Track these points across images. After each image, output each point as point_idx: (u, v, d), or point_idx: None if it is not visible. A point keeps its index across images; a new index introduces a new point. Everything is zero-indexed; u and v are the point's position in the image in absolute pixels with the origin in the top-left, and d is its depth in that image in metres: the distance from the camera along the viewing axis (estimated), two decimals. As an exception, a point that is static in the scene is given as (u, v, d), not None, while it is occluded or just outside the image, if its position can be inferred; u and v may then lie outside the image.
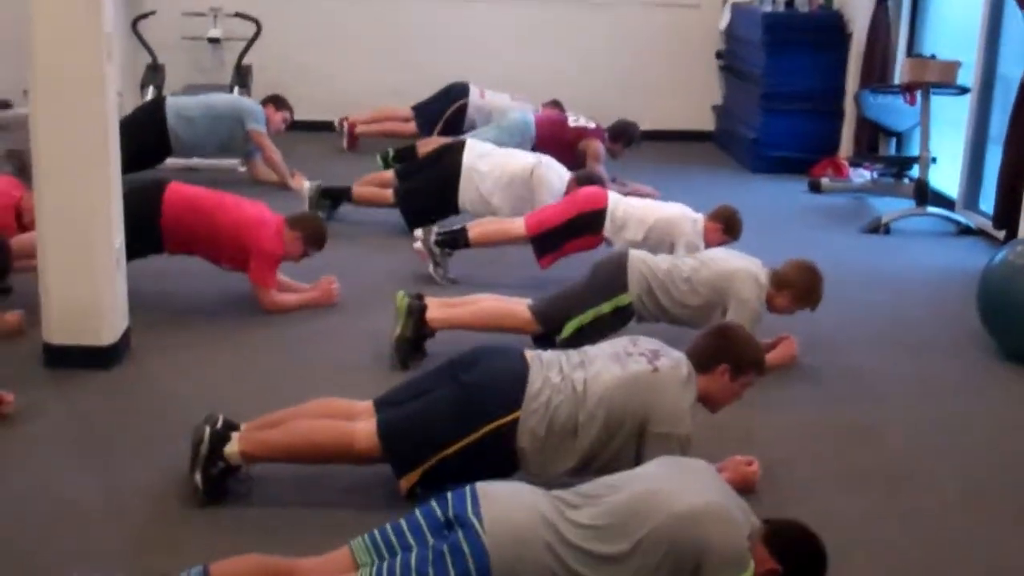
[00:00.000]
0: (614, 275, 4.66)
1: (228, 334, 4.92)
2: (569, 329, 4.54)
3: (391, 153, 7.57)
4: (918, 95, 7.26)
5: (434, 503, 2.89)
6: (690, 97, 9.58)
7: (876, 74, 8.19)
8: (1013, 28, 7.00)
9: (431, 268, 5.60)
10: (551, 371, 3.47)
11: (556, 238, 5.55)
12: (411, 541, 2.82)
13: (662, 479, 2.91)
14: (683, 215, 5.54)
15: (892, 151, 8.49)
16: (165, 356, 4.63)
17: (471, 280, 5.55)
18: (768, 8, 8.68)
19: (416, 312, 4.56)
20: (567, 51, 9.38)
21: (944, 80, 7.08)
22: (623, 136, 7.78)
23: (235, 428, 3.48)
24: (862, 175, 8.17)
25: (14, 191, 5.36)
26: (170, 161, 7.37)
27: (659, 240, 5.42)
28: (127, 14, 8.57)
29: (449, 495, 2.88)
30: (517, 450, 3.40)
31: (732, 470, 3.64)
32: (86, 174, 4.29)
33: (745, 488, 3.60)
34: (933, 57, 7.44)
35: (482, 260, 5.75)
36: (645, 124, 8.44)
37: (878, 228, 7.08)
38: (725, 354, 3.53)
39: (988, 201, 6.97)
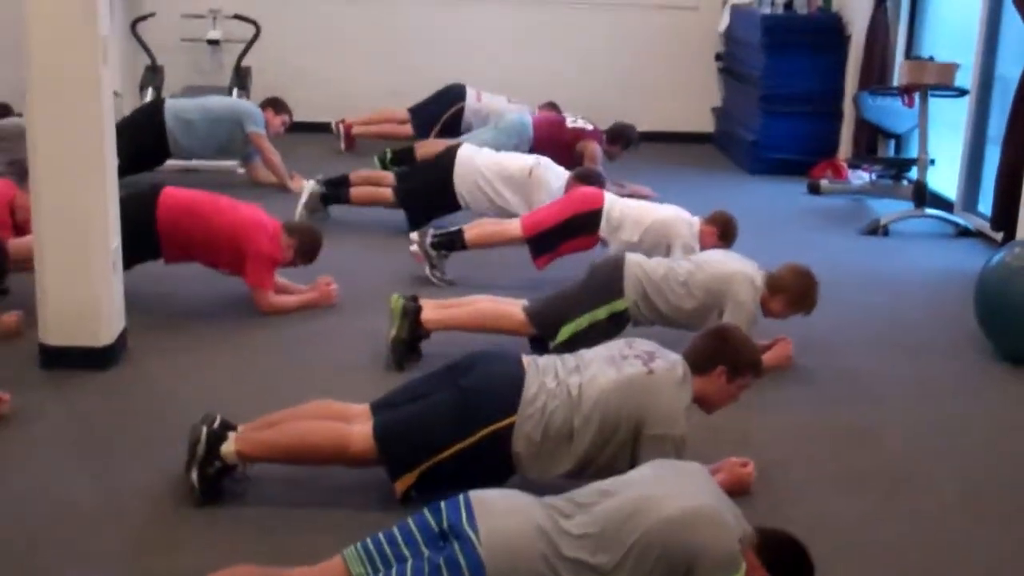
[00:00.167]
0: (610, 280, 4.65)
1: (225, 335, 4.92)
2: (564, 334, 4.53)
3: (389, 155, 7.59)
4: (916, 97, 7.26)
5: (427, 512, 2.88)
6: (689, 99, 9.58)
7: (875, 76, 8.20)
8: (1011, 30, 7.00)
9: (427, 270, 5.60)
10: (547, 376, 3.48)
11: (552, 239, 5.55)
12: (405, 552, 2.82)
13: (653, 483, 2.91)
14: (679, 217, 5.54)
15: (891, 153, 8.49)
16: (162, 357, 4.63)
17: (468, 281, 5.55)
18: (767, 10, 8.69)
19: (411, 313, 4.56)
20: (566, 53, 9.38)
21: (942, 82, 7.08)
22: (621, 138, 7.79)
23: (232, 428, 3.49)
24: (861, 177, 8.17)
25: (8, 190, 5.37)
26: (169, 163, 7.38)
27: (655, 242, 5.42)
28: (126, 16, 8.59)
29: (442, 504, 2.87)
30: (513, 454, 3.40)
31: (727, 472, 3.64)
32: (83, 176, 4.30)
33: (741, 490, 3.61)
34: (931, 59, 7.44)
35: (479, 261, 5.75)
36: (644, 126, 8.46)
37: (877, 230, 7.08)
38: (722, 355, 3.53)
39: (987, 203, 6.96)
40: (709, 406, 3.58)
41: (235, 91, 8.33)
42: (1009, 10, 6.81)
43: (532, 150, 7.16)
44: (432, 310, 4.63)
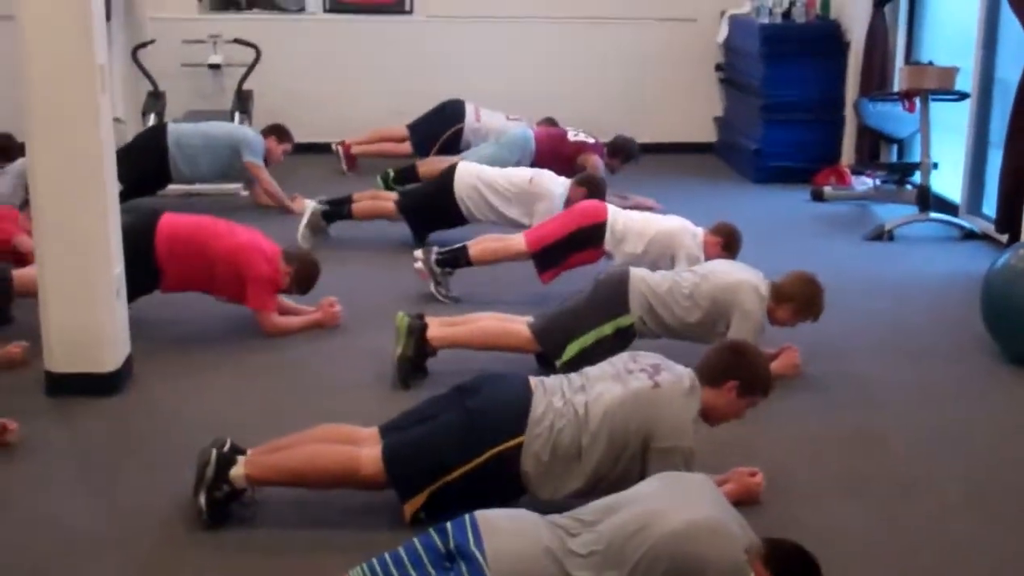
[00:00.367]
0: (615, 295, 4.64)
1: (230, 358, 4.92)
2: (571, 352, 4.52)
3: (391, 174, 7.60)
4: (917, 102, 7.26)
5: (433, 532, 2.88)
6: (691, 110, 9.58)
7: (875, 82, 8.19)
8: (1009, 32, 6.99)
9: (432, 287, 5.60)
10: (554, 396, 3.48)
11: (557, 253, 5.55)
12: (412, 573, 2.82)
13: (657, 498, 2.90)
14: (683, 228, 5.53)
15: (894, 158, 8.47)
16: (168, 381, 4.63)
17: (473, 298, 5.55)
18: (765, 20, 8.68)
19: (417, 331, 4.56)
20: (566, 68, 9.39)
21: (942, 86, 7.07)
22: (622, 152, 7.80)
23: (242, 452, 3.49)
24: (864, 183, 8.16)
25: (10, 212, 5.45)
26: (172, 187, 7.40)
27: (660, 253, 5.42)
28: (127, 43, 8.62)
29: (448, 525, 2.87)
30: (521, 474, 3.40)
31: (736, 482, 3.63)
32: (84, 203, 4.31)
33: (749, 499, 3.60)
34: (931, 64, 7.43)
35: (483, 278, 5.75)
36: (646, 138, 8.46)
37: (881, 235, 7.07)
38: (736, 371, 3.52)
39: (991, 205, 6.95)
40: (714, 419, 3.56)
41: (237, 115, 8.35)
42: (1007, 13, 6.80)
43: (534, 164, 7.17)
44: (438, 328, 4.63)
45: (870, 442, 4.23)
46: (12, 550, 3.37)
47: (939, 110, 7.30)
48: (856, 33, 8.48)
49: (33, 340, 4.56)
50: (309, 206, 6.54)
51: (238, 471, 3.42)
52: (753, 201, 8.03)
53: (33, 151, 4.29)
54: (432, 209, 6.46)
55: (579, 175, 6.45)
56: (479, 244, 5.72)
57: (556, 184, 6.29)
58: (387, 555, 2.88)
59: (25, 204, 5.48)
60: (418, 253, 5.67)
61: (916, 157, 7.69)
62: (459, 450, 3.39)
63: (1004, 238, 6.64)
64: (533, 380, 3.58)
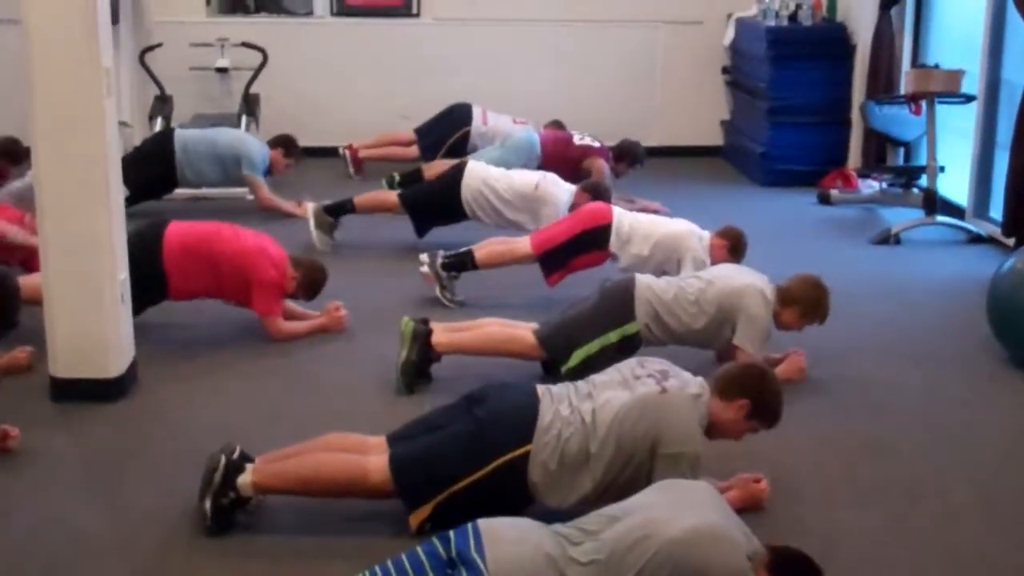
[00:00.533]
0: (621, 303, 4.63)
1: (235, 362, 4.92)
2: (576, 359, 4.51)
3: (397, 178, 7.60)
4: (923, 105, 7.24)
5: (436, 540, 2.89)
6: (698, 113, 9.57)
7: (881, 85, 8.18)
8: (1016, 35, 6.97)
9: (438, 291, 5.59)
10: (561, 404, 3.47)
11: (562, 255, 5.55)
12: None
13: (659, 506, 2.90)
14: (690, 231, 5.53)
15: (900, 161, 8.45)
16: (172, 387, 4.63)
17: (478, 302, 5.55)
18: (771, 22, 8.66)
19: (421, 336, 4.55)
20: (572, 71, 9.38)
21: (949, 89, 7.06)
22: (627, 156, 7.79)
23: (250, 460, 3.49)
24: (871, 186, 8.14)
25: (15, 214, 5.48)
26: (179, 191, 7.42)
27: (666, 256, 5.42)
28: (135, 47, 8.64)
29: (451, 532, 2.88)
30: (529, 483, 3.39)
31: (740, 488, 3.62)
32: (88, 208, 4.31)
33: (754, 506, 3.60)
34: (937, 66, 7.42)
35: (489, 282, 5.75)
36: (653, 141, 8.45)
37: (888, 239, 7.05)
38: (751, 391, 3.50)
39: (998, 209, 6.93)
40: (714, 433, 3.53)
41: (244, 118, 8.36)
42: (1013, 15, 6.79)
43: (540, 168, 7.16)
44: (442, 333, 4.62)
45: (876, 447, 4.22)
46: (17, 554, 3.38)
47: (945, 113, 7.28)
48: (862, 36, 8.46)
49: (38, 345, 4.58)
50: (310, 209, 6.55)
51: (245, 479, 3.41)
52: (760, 204, 8.02)
53: (38, 155, 4.29)
54: (435, 204, 6.46)
55: (584, 181, 6.45)
56: (485, 248, 5.72)
57: (561, 189, 6.29)
58: (390, 562, 2.88)
59: None
60: (424, 257, 5.67)
61: (923, 160, 7.67)
62: (466, 459, 3.39)
63: (1011, 242, 6.63)
64: (540, 388, 3.57)
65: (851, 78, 8.59)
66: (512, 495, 3.39)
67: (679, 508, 2.85)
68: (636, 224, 5.57)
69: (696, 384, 3.52)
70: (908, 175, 7.98)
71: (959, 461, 4.12)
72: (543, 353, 4.62)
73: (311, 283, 5.22)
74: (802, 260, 5.64)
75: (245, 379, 4.77)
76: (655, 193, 7.62)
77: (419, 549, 2.89)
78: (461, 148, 8.24)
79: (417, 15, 9.38)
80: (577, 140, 7.74)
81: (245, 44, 8.66)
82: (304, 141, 7.80)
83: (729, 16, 9.34)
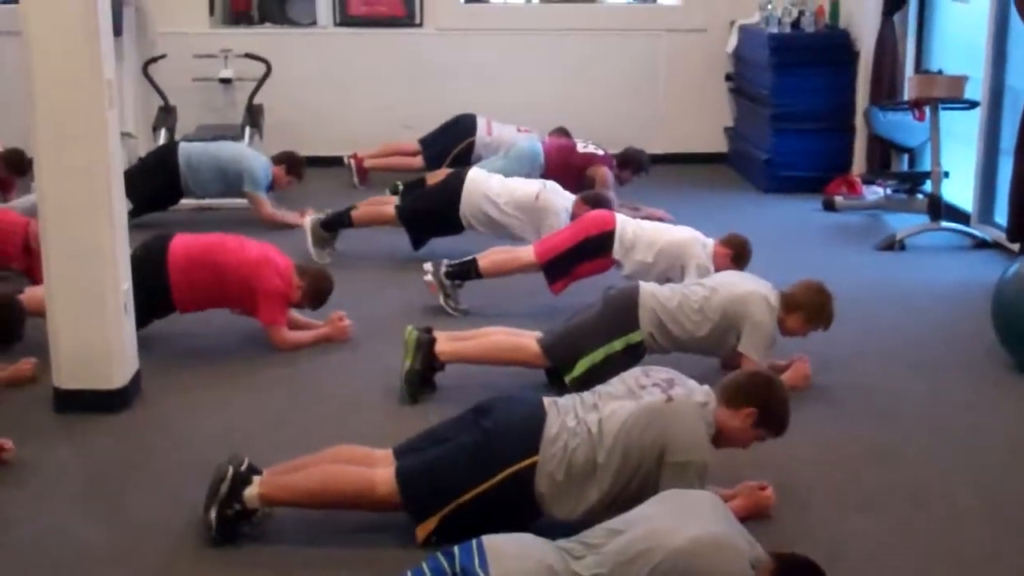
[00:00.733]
0: (625, 312, 4.62)
1: (239, 372, 4.92)
2: (580, 368, 4.50)
3: (400, 187, 7.59)
4: (927, 111, 7.23)
5: (441, 556, 2.89)
6: (701, 120, 9.57)
7: (885, 91, 8.16)
8: (1019, 40, 6.96)
9: (441, 300, 5.59)
10: (567, 416, 3.47)
11: (566, 263, 5.54)
12: None
13: (661, 516, 2.90)
14: (694, 238, 5.52)
15: (904, 167, 8.44)
16: (176, 397, 4.63)
17: (482, 311, 5.55)
18: (774, 29, 8.66)
19: (425, 345, 4.55)
20: (577, 79, 9.39)
21: (952, 95, 7.05)
22: (631, 163, 7.78)
23: (258, 473, 3.49)
24: (875, 192, 8.13)
25: (22, 218, 5.48)
26: (184, 201, 7.44)
27: (669, 263, 5.41)
28: (139, 58, 8.66)
29: (456, 548, 2.88)
30: (536, 495, 3.38)
31: (745, 496, 3.61)
32: (91, 219, 4.31)
33: (759, 513, 3.59)
34: (940, 72, 7.41)
35: (492, 291, 5.74)
36: (658, 148, 8.44)
37: (893, 245, 7.04)
38: (758, 399, 3.49)
39: (1002, 214, 6.92)
40: (721, 442, 3.51)
41: (247, 129, 8.38)
42: (1016, 21, 6.78)
43: (544, 176, 7.16)
44: (446, 342, 4.62)
45: (881, 453, 4.20)
46: (21, 566, 3.37)
47: (949, 119, 7.28)
48: (865, 42, 8.46)
49: (42, 356, 4.57)
50: (307, 225, 6.55)
51: (252, 491, 3.41)
52: (764, 211, 8.01)
53: (41, 167, 4.29)
54: (433, 218, 6.44)
55: (584, 193, 6.42)
56: (488, 256, 5.71)
57: (562, 198, 6.28)
58: (395, 579, 2.89)
59: None
60: (427, 266, 5.66)
61: (927, 166, 7.66)
62: (473, 471, 3.38)
63: (1015, 247, 6.61)
64: (546, 400, 3.57)
65: (854, 84, 8.58)
66: (519, 507, 3.38)
67: (681, 518, 2.84)
68: (640, 231, 5.56)
69: (702, 392, 3.51)
70: (912, 181, 7.99)
71: (964, 466, 4.10)
72: (547, 362, 4.61)
73: (317, 292, 5.22)
74: (807, 267, 5.63)
75: (249, 389, 4.76)
76: (659, 200, 7.62)
77: (424, 566, 2.89)
78: (466, 158, 8.24)
79: (420, 25, 9.39)
80: (581, 148, 7.74)
81: (248, 55, 8.67)
82: (307, 151, 7.81)
83: (732, 23, 9.34)
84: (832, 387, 4.75)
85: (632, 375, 3.63)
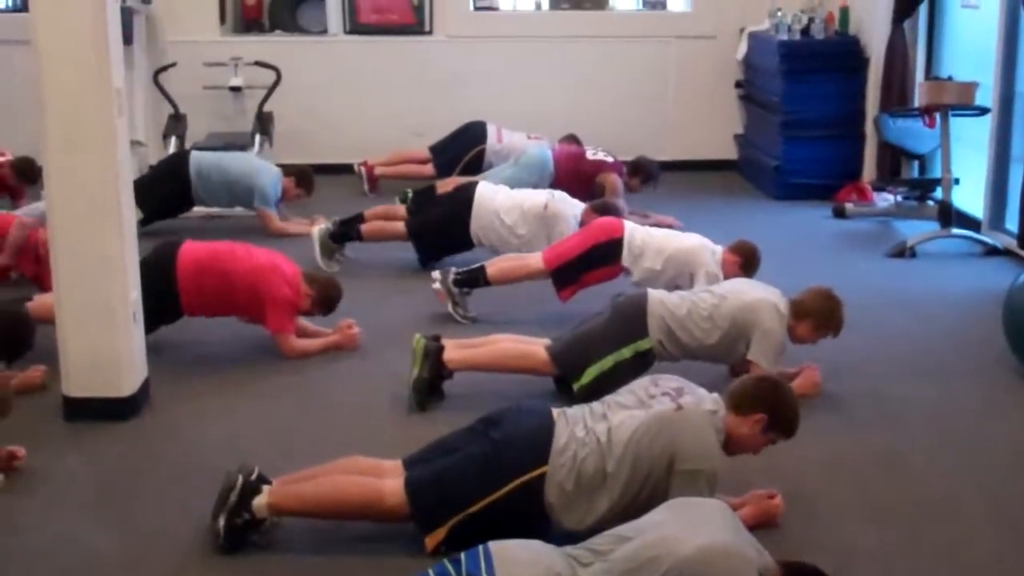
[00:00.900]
0: (633, 319, 4.61)
1: (247, 380, 4.93)
2: (589, 376, 4.49)
3: (410, 195, 7.59)
4: (937, 117, 7.22)
5: (448, 563, 2.89)
6: (711, 127, 9.56)
7: (895, 97, 8.15)
8: (1030, 47, 6.96)
9: (450, 307, 5.59)
10: (576, 426, 3.47)
11: (574, 270, 5.54)
12: None
13: (669, 525, 2.89)
14: (703, 246, 5.51)
15: (915, 174, 8.41)
16: (185, 405, 4.64)
17: (491, 318, 5.54)
18: (784, 36, 8.64)
19: (433, 353, 4.54)
20: (587, 86, 9.39)
21: (962, 101, 7.03)
22: (641, 171, 7.77)
23: (267, 482, 3.49)
24: (886, 199, 8.11)
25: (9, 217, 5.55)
26: (195, 209, 7.45)
27: (678, 270, 5.41)
28: (149, 66, 8.67)
29: (463, 555, 2.88)
30: (546, 505, 3.38)
31: (754, 504, 3.60)
32: (100, 227, 4.32)
33: (768, 522, 3.58)
34: (950, 79, 7.39)
35: (501, 298, 5.74)
36: (667, 155, 8.43)
37: (903, 252, 7.02)
38: (767, 404, 3.49)
39: (1014, 220, 6.89)
40: (732, 448, 3.52)
41: (257, 137, 8.39)
42: (1026, 27, 6.78)
43: (553, 184, 7.16)
44: (454, 350, 4.61)
45: (891, 461, 4.19)
46: (31, 573, 3.38)
47: (959, 125, 7.25)
48: (875, 49, 8.44)
49: (51, 364, 4.58)
50: (315, 235, 6.54)
51: (261, 501, 3.41)
52: (774, 218, 8.00)
53: (50, 175, 4.31)
54: (443, 237, 6.44)
55: (593, 201, 6.41)
56: (497, 264, 5.72)
57: (570, 205, 6.27)
58: (401, 586, 2.88)
59: None
60: (436, 274, 5.67)
61: (937, 173, 7.64)
62: (482, 481, 3.38)
63: (1026, 254, 6.60)
64: (555, 411, 3.57)
65: (864, 91, 8.56)
66: (528, 517, 3.37)
67: (690, 526, 2.84)
68: (648, 238, 5.55)
69: (711, 400, 3.50)
70: (923, 188, 7.95)
71: (974, 474, 4.09)
72: (556, 369, 4.60)
73: (326, 300, 5.22)
74: (817, 274, 5.61)
75: (258, 397, 4.77)
76: (669, 207, 7.61)
77: (431, 572, 2.89)
78: (476, 166, 8.25)
79: (430, 32, 9.41)
80: (591, 155, 7.74)
81: (258, 63, 8.68)
82: (317, 158, 7.84)
83: (742, 30, 9.33)
84: (842, 394, 4.74)
85: (641, 385, 3.63)
